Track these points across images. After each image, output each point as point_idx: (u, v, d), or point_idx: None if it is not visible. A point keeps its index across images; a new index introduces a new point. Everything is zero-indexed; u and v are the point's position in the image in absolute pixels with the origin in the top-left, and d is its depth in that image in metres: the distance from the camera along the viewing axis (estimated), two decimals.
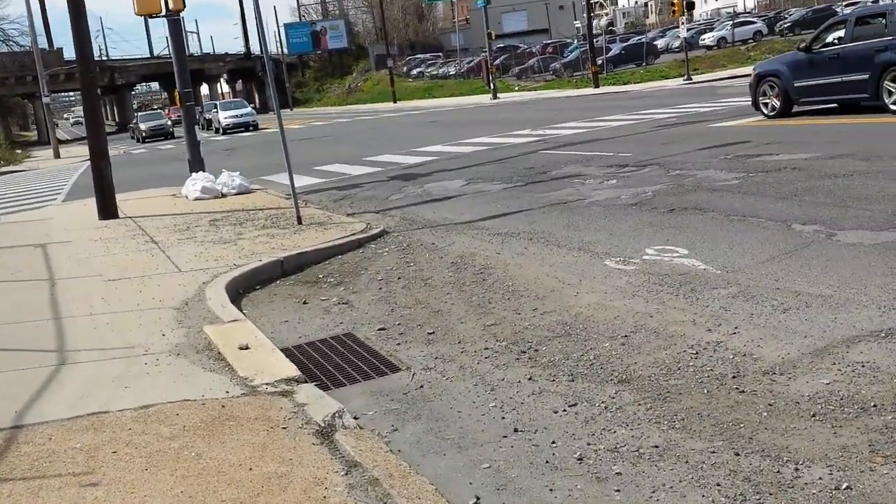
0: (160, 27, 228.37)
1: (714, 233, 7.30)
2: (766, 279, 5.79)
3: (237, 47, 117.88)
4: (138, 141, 48.99)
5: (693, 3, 40.16)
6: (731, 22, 60.01)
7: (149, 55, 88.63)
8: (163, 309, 6.78)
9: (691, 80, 37.22)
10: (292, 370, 4.99)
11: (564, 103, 32.85)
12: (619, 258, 7.03)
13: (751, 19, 60.84)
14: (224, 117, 45.23)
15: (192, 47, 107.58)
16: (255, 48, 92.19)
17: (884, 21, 13.78)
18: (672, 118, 19.01)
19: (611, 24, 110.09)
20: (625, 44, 57.09)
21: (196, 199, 14.06)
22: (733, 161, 11.01)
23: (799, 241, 6.57)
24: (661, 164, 11.75)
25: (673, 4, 39.14)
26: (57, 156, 41.79)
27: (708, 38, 55.46)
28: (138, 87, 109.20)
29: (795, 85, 15.24)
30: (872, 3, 56.48)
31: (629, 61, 51.81)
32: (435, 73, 74.60)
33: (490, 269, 7.41)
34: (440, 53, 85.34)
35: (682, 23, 38.59)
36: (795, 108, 15.58)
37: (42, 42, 61.10)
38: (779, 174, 9.54)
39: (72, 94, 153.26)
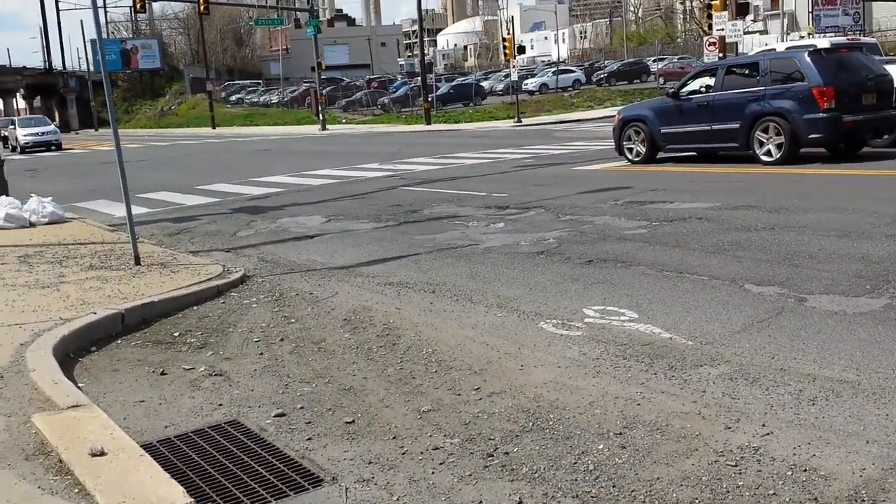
0: None
1: (655, 292, 6.42)
2: (758, 356, 4.90)
3: (36, 61, 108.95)
4: None
5: (523, 48, 40.90)
6: (552, 70, 62.21)
7: None
8: None
9: (521, 122, 37.65)
10: (178, 495, 3.47)
11: (403, 138, 32.04)
12: (555, 320, 5.96)
13: (570, 68, 63.45)
14: (23, 135, 40.88)
15: None
16: (58, 63, 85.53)
17: (756, 71, 13.77)
18: (528, 159, 18.55)
19: (430, 64, 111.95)
20: (452, 83, 57.55)
21: None
22: (626, 207, 10.38)
23: (767, 307, 5.78)
24: (546, 207, 10.94)
25: (505, 47, 39.59)
26: None
27: (531, 84, 57.03)
28: None
29: (662, 131, 15.08)
30: (678, 59, 60.59)
31: (457, 101, 52.16)
32: (256, 100, 72.14)
33: (397, 331, 6.12)
34: (260, 81, 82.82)
35: (513, 66, 39.07)
36: (660, 155, 15.44)
37: None
38: (687, 224, 8.93)
39: None
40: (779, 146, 13.35)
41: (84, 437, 4.03)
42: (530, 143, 23.34)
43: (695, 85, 14.95)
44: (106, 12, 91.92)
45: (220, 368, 5.58)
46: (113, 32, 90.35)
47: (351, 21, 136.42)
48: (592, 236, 8.76)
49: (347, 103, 58.27)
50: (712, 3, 28.46)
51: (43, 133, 42.04)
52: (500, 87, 60.50)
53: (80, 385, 5.31)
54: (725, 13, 27.87)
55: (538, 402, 4.54)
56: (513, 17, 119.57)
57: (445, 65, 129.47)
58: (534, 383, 4.82)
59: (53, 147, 41.66)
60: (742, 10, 31.08)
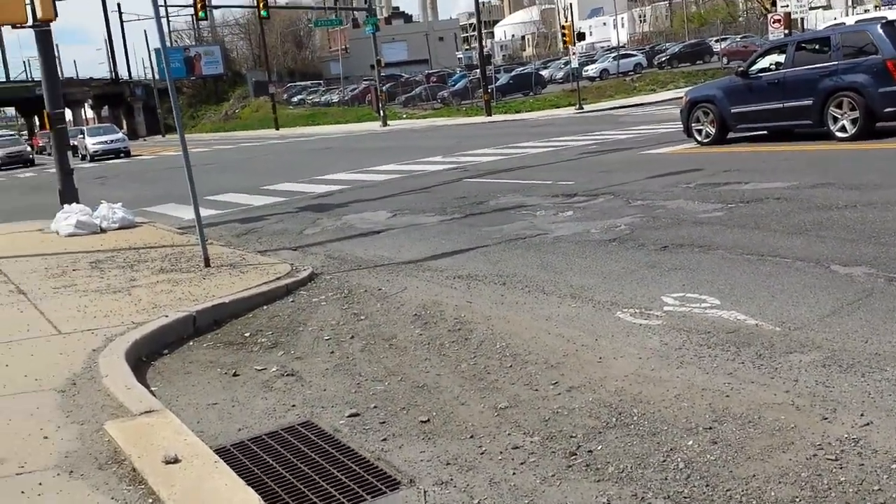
0: (16, 50, 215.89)
1: (737, 276, 6.11)
2: (851, 340, 4.59)
3: (102, 72, 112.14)
4: None
5: (584, 35, 40.25)
6: (612, 55, 61.19)
7: (4, 79, 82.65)
8: (41, 393, 4.97)
9: (583, 109, 37.08)
10: (253, 503, 3.36)
11: (463, 130, 31.86)
12: (633, 309, 5.72)
13: (631, 52, 62.25)
14: (92, 143, 41.85)
15: None
16: (123, 73, 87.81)
17: (827, 46, 13.36)
18: (592, 146, 18.18)
19: (488, 56, 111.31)
20: (511, 74, 57.10)
21: (69, 235, 11.95)
22: (699, 190, 10.02)
23: (857, 289, 5.44)
24: (616, 193, 10.64)
25: (564, 35, 39.07)
26: None
27: (591, 70, 56.18)
28: None
29: (732, 111, 14.61)
30: (741, 38, 58.97)
31: (517, 91, 51.72)
32: (317, 100, 72.81)
33: (469, 325, 5.96)
34: (321, 81, 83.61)
35: (573, 53, 38.50)
36: (730, 135, 14.95)
37: None
38: (765, 205, 8.55)
39: None
40: (853, 121, 12.76)
41: (157, 444, 3.97)
42: (594, 130, 22.91)
43: (764, 63, 14.41)
44: (169, 21, 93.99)
45: (291, 368, 5.50)
46: (176, 41, 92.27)
47: (408, 18, 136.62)
48: (666, 221, 8.44)
49: (407, 99, 58.33)
50: None
51: (112, 141, 42.51)
52: (560, 74, 59.71)
53: (152, 389, 5.29)
54: None
55: (620, 396, 4.32)
56: (571, 4, 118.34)
57: (503, 56, 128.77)
58: (614, 376, 4.60)
59: (122, 154, 42.21)
60: None
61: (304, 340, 6.14)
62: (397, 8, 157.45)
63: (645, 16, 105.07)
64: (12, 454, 4.02)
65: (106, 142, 42.19)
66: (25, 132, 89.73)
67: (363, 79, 74.26)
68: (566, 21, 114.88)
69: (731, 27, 76.21)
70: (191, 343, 6.42)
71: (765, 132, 14.65)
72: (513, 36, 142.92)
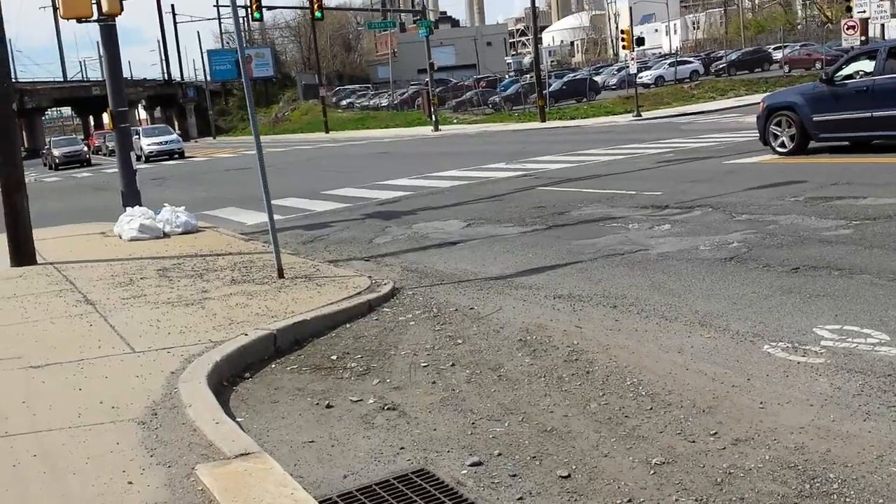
0: (73, 51, 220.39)
1: None
2: None
3: (155, 73, 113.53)
4: (51, 168, 45.00)
5: (643, 39, 39.30)
6: (668, 61, 59.99)
7: (62, 79, 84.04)
8: (119, 424, 4.42)
9: (641, 116, 36.12)
10: None
11: (520, 136, 31.18)
12: (783, 343, 5.00)
13: (688, 59, 61.02)
14: (147, 144, 41.86)
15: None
16: (176, 74, 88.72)
17: None
18: (667, 153, 17.38)
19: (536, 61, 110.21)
20: (563, 79, 56.23)
21: (132, 239, 11.53)
22: (811, 205, 9.22)
23: None
24: (713, 205, 9.89)
25: (622, 40, 38.17)
26: None
27: (646, 76, 55.05)
28: (49, 112, 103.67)
29: (815, 119, 13.78)
30: (801, 46, 57.42)
31: (570, 97, 50.81)
32: (365, 104, 72.69)
33: (585, 354, 5.30)
34: (369, 85, 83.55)
35: (632, 58, 37.57)
36: (812, 144, 14.08)
37: None
38: None
39: None
40: None
41: (260, 499, 3.37)
42: (658, 138, 22.07)
43: (850, 69, 13.51)
44: (220, 23, 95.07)
45: (391, 400, 4.89)
46: (228, 42, 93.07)
47: (455, 22, 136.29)
48: (785, 238, 7.68)
49: (458, 103, 57.73)
50: None
51: (166, 142, 42.32)
52: (614, 81, 58.77)
53: (238, 419, 4.72)
54: None
55: (804, 454, 3.62)
56: (619, 11, 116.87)
57: (552, 61, 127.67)
58: (786, 427, 3.90)
59: (176, 156, 42.04)
60: None
61: (399, 367, 5.53)
62: (444, 13, 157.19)
63: (699, 22, 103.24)
64: None
65: (161, 142, 41.98)
66: (81, 133, 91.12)
67: (411, 83, 74.00)
68: (616, 27, 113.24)
69: (790, 35, 74.48)
70: (273, 365, 5.86)
71: (847, 143, 13.77)
72: (561, 42, 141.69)
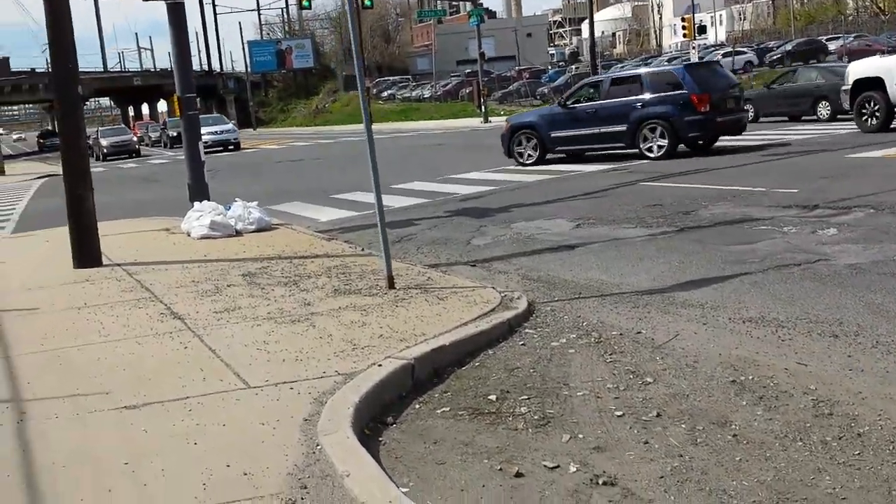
0: (113, 42, 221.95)
1: None
2: None
3: (195, 64, 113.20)
4: (98, 159, 43.91)
5: (705, 28, 37.70)
6: (721, 52, 58.10)
7: (102, 69, 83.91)
8: (258, 501, 3.29)
9: None
10: None
11: None
12: None
13: (741, 49, 59.04)
14: (203, 134, 40.56)
15: (146, 64, 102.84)
16: (216, 65, 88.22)
17: (640, 82, 16.01)
18: (766, 146, 16.02)
19: (575, 53, 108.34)
20: (610, 70, 54.62)
21: (202, 237, 10.50)
22: None
23: None
24: (874, 206, 8.62)
25: (684, 27, 36.59)
26: (1, 172, 37.46)
27: None
28: (89, 102, 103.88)
29: (552, 136, 16.89)
30: (856, 37, 55.26)
31: None
32: (407, 95, 71.64)
33: (838, 406, 4.08)
34: (409, 77, 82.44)
35: (693, 47, 36.05)
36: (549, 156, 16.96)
37: None
38: None
39: (15, 108, 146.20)
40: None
41: None
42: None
43: (580, 95, 17.31)
44: (259, 14, 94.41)
45: (600, 469, 3.72)
46: (268, 34, 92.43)
47: (491, 14, 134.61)
48: None
49: (503, 95, 56.50)
50: None
51: (221, 132, 39.39)
52: None
53: (403, 489, 3.58)
54: None
55: None
56: (662, 1, 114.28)
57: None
58: None
59: (231, 147, 39.48)
60: None
61: (585, 414, 4.35)
62: (481, 4, 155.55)
63: (745, 13, 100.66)
64: None
65: (216, 132, 38.67)
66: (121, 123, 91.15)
67: (451, 74, 72.72)
68: (660, 17, 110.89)
69: (841, 26, 72.05)
70: (417, 406, 4.71)
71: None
72: (602, 33, 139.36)
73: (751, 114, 22.58)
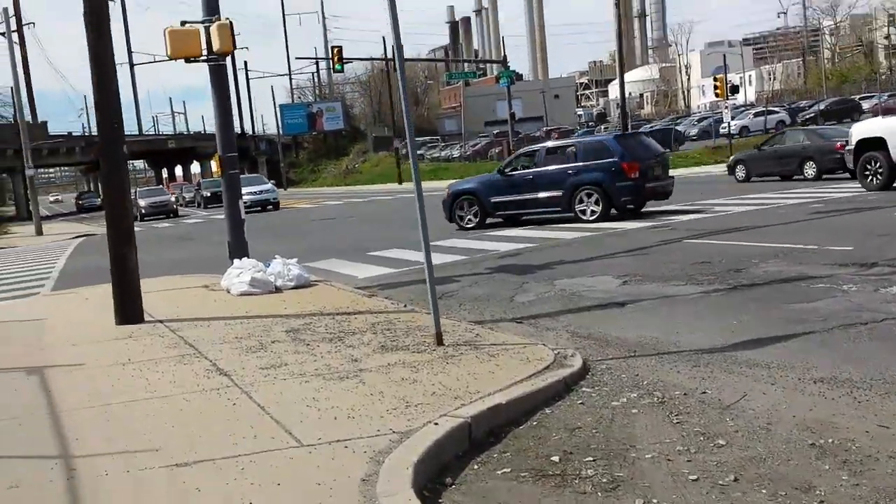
0: (147, 107, 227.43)
1: None
2: None
3: None
4: (136, 219, 44.60)
5: (737, 87, 37.79)
6: (752, 111, 58.15)
7: (137, 132, 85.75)
8: None
9: None
10: None
11: None
12: None
13: (773, 109, 59.10)
14: (243, 194, 40.67)
15: (180, 127, 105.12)
16: (248, 128, 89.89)
17: (573, 151, 16.96)
18: (811, 203, 15.82)
19: (602, 114, 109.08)
20: (643, 130, 54.79)
21: (242, 293, 10.43)
22: None
23: None
24: None
25: (716, 87, 36.65)
26: (39, 232, 37.97)
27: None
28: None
29: (492, 201, 17.68)
30: (889, 96, 55.05)
31: None
32: (436, 155, 72.23)
33: None
34: (438, 137, 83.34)
35: (726, 107, 36.03)
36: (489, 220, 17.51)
37: (25, 114, 56.74)
38: None
39: (51, 171, 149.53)
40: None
41: None
42: (772, 188, 20.47)
43: (516, 164, 18.04)
44: (291, 78, 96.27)
45: None
46: (299, 97, 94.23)
47: (518, 76, 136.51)
48: None
49: None
50: None
51: (261, 192, 38.85)
52: (694, 131, 57.26)
53: None
54: None
55: None
56: (690, 63, 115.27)
57: (619, 114, 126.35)
58: None
59: (270, 206, 38.43)
60: None
61: (657, 479, 4.12)
62: (509, 66, 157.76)
63: (775, 73, 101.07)
64: None
65: (255, 192, 37.92)
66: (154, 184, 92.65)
67: (479, 135, 73.40)
68: (688, 78, 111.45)
69: (874, 85, 71.94)
70: (476, 467, 4.51)
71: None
72: (630, 93, 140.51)
73: (742, 174, 24.71)
